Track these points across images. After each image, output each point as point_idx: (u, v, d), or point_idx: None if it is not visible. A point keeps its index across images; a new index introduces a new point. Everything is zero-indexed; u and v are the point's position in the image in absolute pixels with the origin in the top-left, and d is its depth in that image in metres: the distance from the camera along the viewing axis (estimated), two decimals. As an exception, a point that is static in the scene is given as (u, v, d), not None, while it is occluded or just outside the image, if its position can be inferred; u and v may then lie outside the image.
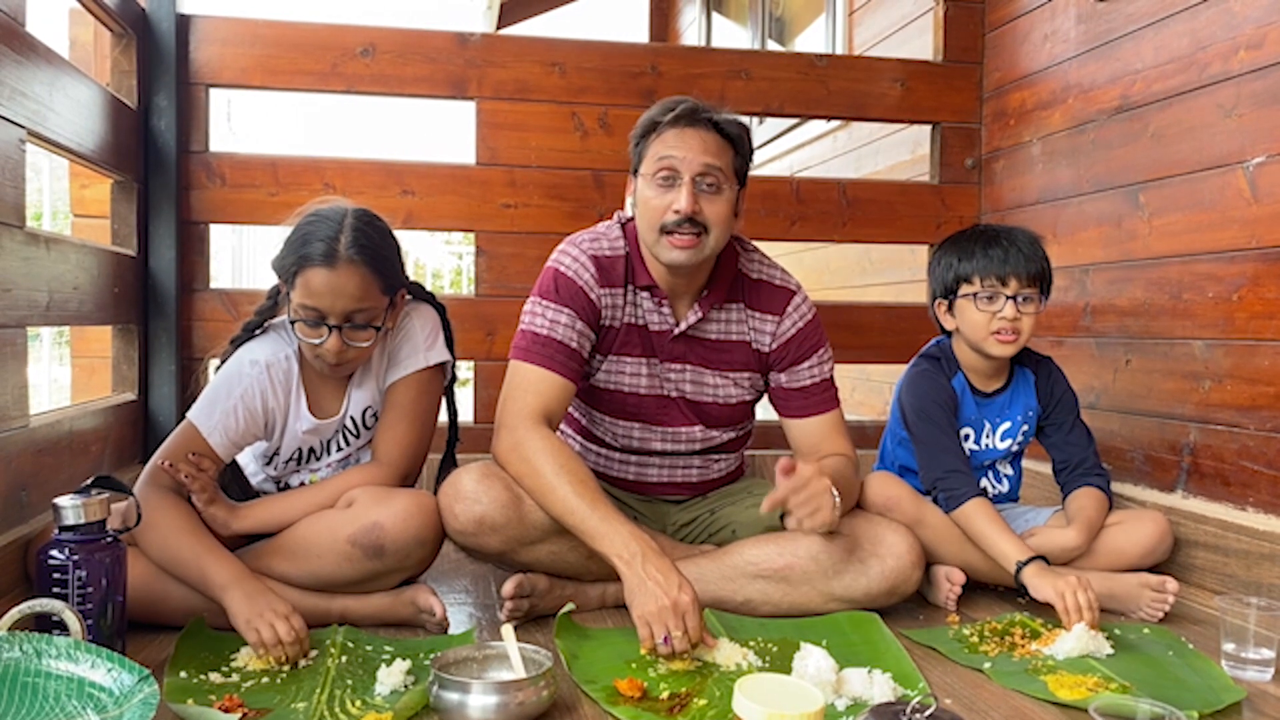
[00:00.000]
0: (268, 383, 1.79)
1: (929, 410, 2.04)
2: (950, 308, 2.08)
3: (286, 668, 1.49)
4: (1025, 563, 1.80)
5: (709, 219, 1.76)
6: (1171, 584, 1.84)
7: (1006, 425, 2.10)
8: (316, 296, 1.68)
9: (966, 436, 2.09)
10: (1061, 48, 2.60)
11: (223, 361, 1.83)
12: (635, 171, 1.84)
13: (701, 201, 1.75)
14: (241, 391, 1.77)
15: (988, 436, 2.10)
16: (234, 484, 1.92)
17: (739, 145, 1.81)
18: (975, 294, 2.01)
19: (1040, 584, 1.75)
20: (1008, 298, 1.98)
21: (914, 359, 2.16)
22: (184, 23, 2.50)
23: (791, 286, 1.97)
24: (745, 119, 1.87)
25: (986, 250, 2.00)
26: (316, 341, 1.71)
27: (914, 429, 2.06)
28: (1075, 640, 1.62)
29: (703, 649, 1.53)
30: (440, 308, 1.94)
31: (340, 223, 1.71)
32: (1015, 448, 2.12)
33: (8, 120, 1.65)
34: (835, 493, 1.69)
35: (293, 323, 1.72)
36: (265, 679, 1.46)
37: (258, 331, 1.85)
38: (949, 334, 2.13)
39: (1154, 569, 1.97)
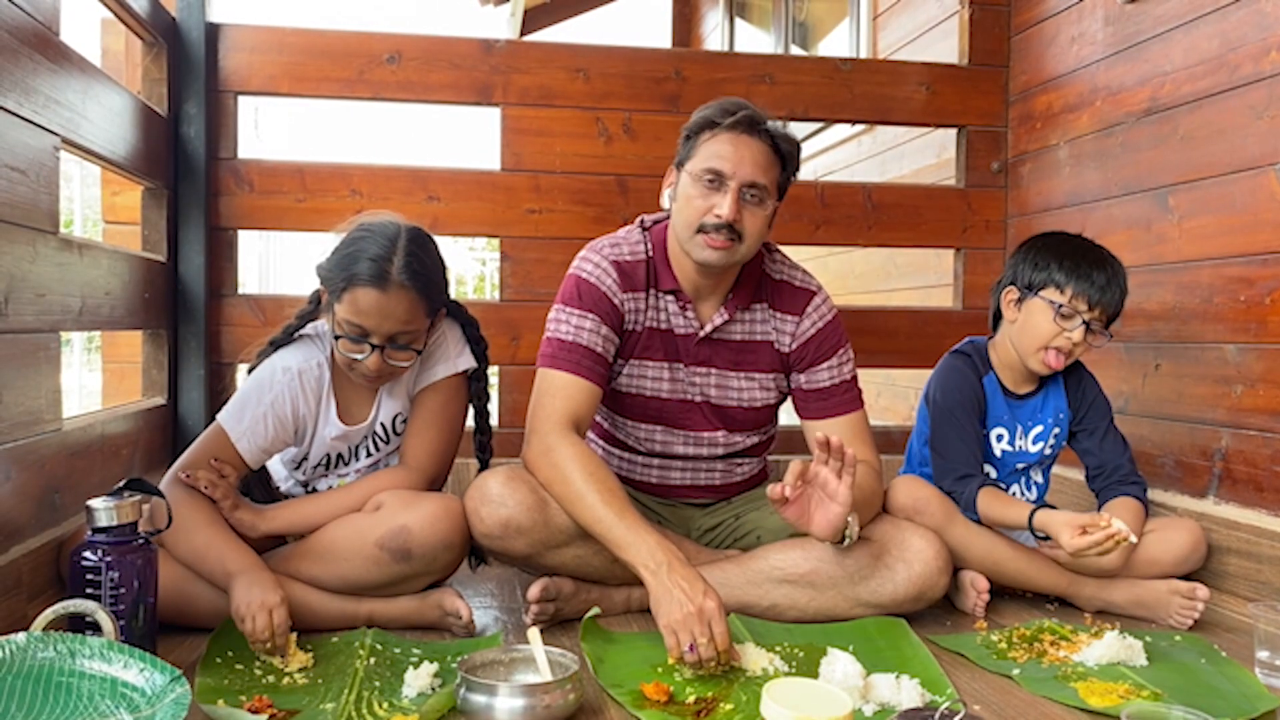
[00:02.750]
0: (299, 389, 1.80)
1: (954, 410, 2.03)
2: (1020, 301, 2.03)
3: (295, 671, 1.49)
4: (1034, 511, 1.85)
5: (746, 229, 1.77)
6: (1202, 591, 1.82)
7: (1038, 429, 2.08)
8: (363, 315, 1.69)
9: (1000, 437, 2.07)
10: (1089, 50, 2.58)
11: (255, 364, 1.85)
12: (680, 164, 1.84)
13: (743, 211, 1.76)
14: (272, 399, 1.78)
15: (1020, 438, 2.08)
16: (258, 487, 1.94)
17: (788, 162, 1.82)
18: (1059, 305, 1.95)
19: (1050, 521, 1.81)
20: (1084, 321, 1.95)
21: (945, 356, 2.13)
22: (213, 31, 2.53)
23: (812, 287, 1.97)
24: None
25: (1092, 271, 1.95)
26: (358, 357, 1.72)
27: (934, 425, 2.05)
28: (1106, 647, 1.61)
29: (727, 656, 1.51)
30: (473, 322, 1.95)
31: (394, 242, 1.71)
32: (1048, 451, 2.10)
33: (42, 128, 1.68)
34: (851, 514, 1.68)
35: (337, 337, 1.73)
36: (297, 678, 1.47)
37: (295, 336, 1.86)
38: (996, 322, 2.11)
39: (1187, 576, 1.94)
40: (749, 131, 1.77)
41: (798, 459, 1.65)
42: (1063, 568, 1.94)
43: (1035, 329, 1.99)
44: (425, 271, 1.73)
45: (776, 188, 1.82)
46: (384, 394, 1.87)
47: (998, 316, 2.11)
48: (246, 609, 1.51)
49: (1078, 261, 1.97)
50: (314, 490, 1.91)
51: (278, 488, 1.96)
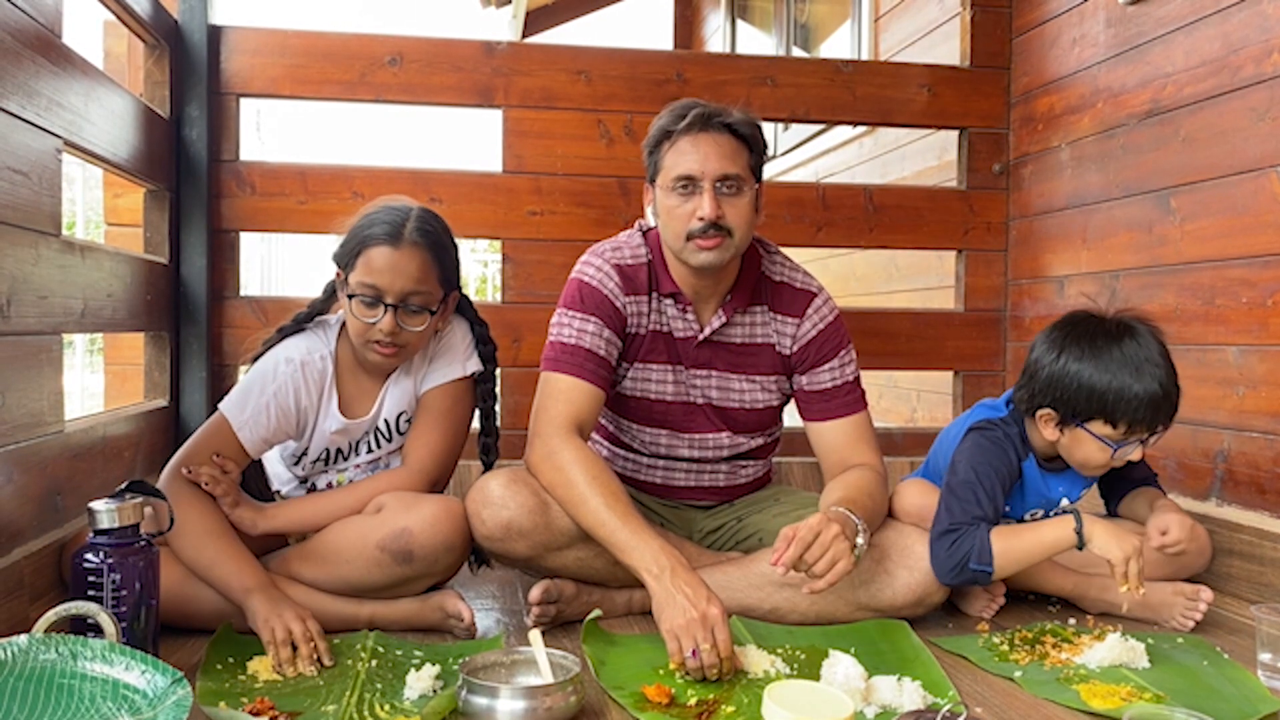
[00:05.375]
0: (301, 381, 1.81)
1: (980, 483, 1.81)
2: (1061, 425, 1.82)
3: (309, 668, 1.51)
4: (1079, 523, 1.69)
5: (732, 222, 1.77)
6: (1206, 594, 1.81)
7: (1085, 492, 1.97)
8: (377, 274, 1.71)
9: (1033, 515, 1.95)
10: (1090, 52, 2.58)
11: (261, 353, 1.85)
12: (652, 181, 1.85)
13: (723, 205, 1.76)
14: (275, 389, 1.79)
15: (1055, 510, 1.95)
16: (254, 480, 1.94)
17: (753, 144, 1.81)
18: (1116, 443, 1.77)
19: (1106, 542, 1.66)
20: (1141, 442, 1.79)
21: (979, 419, 1.92)
22: (215, 33, 2.53)
23: (813, 289, 1.96)
24: (762, 121, 1.86)
25: (1144, 389, 1.72)
26: (371, 320, 1.73)
27: (955, 487, 1.83)
28: (1108, 650, 1.60)
29: (730, 663, 1.50)
30: (483, 323, 1.95)
31: (407, 212, 1.77)
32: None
33: (45, 130, 1.68)
34: (859, 523, 1.66)
35: (351, 297, 1.75)
36: (294, 681, 1.47)
37: (306, 325, 1.87)
38: (1022, 406, 1.87)
39: (1190, 578, 1.94)
40: (705, 128, 1.77)
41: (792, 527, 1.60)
42: (1068, 569, 1.94)
43: (1087, 457, 1.82)
44: (437, 234, 1.78)
45: (750, 172, 1.81)
46: (389, 389, 1.87)
47: (1031, 411, 1.87)
48: (277, 618, 1.54)
49: (1125, 383, 1.73)
50: (313, 486, 1.91)
51: (278, 491, 1.96)
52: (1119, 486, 2.04)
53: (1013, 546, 1.74)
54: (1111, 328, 1.80)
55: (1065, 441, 1.84)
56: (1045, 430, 1.85)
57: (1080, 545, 1.70)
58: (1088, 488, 1.98)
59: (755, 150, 1.82)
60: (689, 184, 1.76)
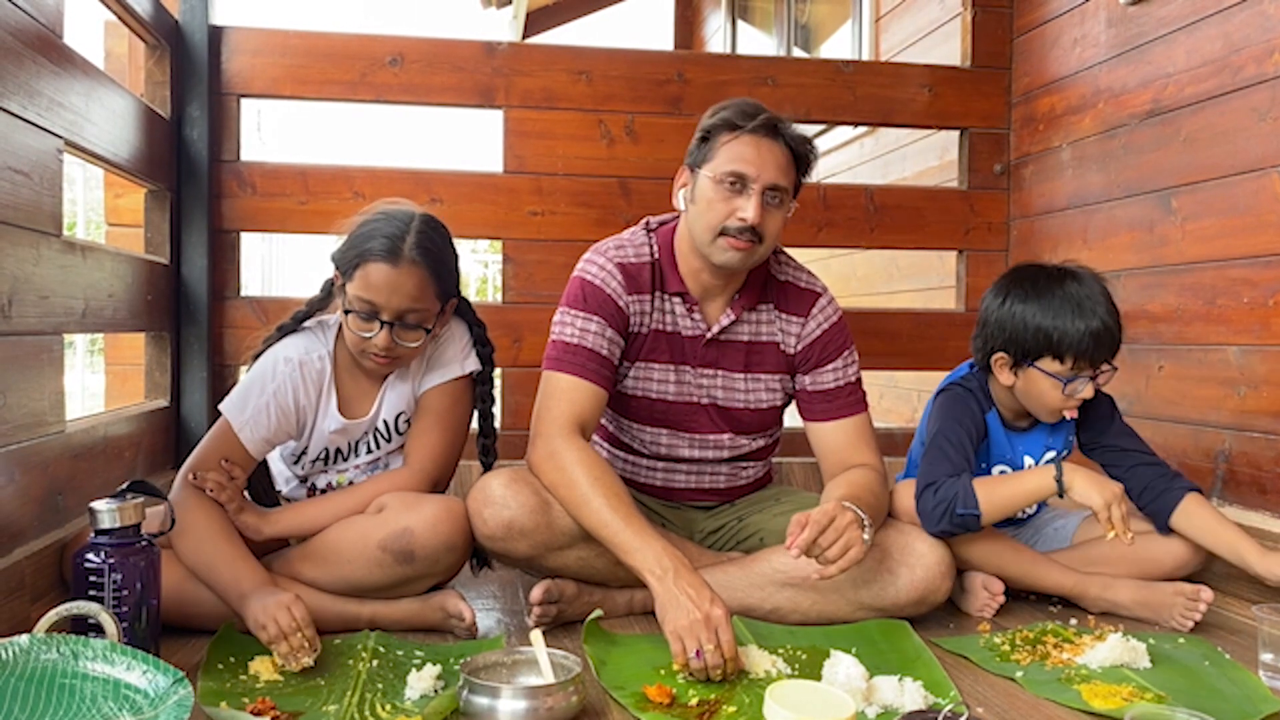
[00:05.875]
0: (300, 380, 1.81)
1: (949, 433, 1.90)
2: (1015, 367, 1.92)
3: (308, 659, 1.48)
4: (1059, 471, 1.76)
5: (766, 231, 1.78)
6: (1206, 593, 1.81)
7: (1050, 455, 2.01)
8: (374, 290, 1.71)
9: (1004, 474, 1.99)
10: (1091, 52, 2.58)
11: (261, 350, 1.85)
12: (695, 165, 1.82)
13: (764, 213, 1.76)
14: (274, 389, 1.79)
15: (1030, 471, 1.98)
16: (259, 482, 1.93)
17: (803, 167, 1.83)
18: (1065, 379, 1.85)
19: (1087, 488, 1.73)
20: (1091, 378, 1.86)
21: (944, 384, 2.03)
22: (216, 34, 2.53)
23: (817, 289, 1.97)
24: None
25: (1086, 325, 1.82)
26: (367, 335, 1.73)
27: (929, 447, 1.92)
28: (1109, 650, 1.60)
29: (734, 664, 1.50)
30: (481, 324, 1.95)
31: (408, 224, 1.75)
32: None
33: (45, 130, 1.68)
34: (865, 519, 1.65)
35: (347, 312, 1.75)
36: (295, 681, 1.47)
37: (305, 324, 1.87)
38: (983, 361, 1.97)
39: (1190, 578, 1.94)
40: (770, 135, 1.77)
41: (806, 512, 1.60)
42: (1068, 569, 1.94)
43: (1042, 396, 1.89)
44: (437, 251, 1.76)
45: (793, 189, 1.83)
46: (388, 390, 1.87)
47: (985, 359, 1.96)
48: (265, 615, 1.50)
49: (1068, 321, 1.83)
50: (314, 486, 1.92)
51: (279, 491, 1.96)
52: (1158, 488, 1.92)
53: (996, 493, 1.81)
54: (1053, 272, 1.91)
55: (1021, 385, 1.92)
56: (1001, 375, 1.93)
57: (1061, 492, 1.77)
58: (1053, 450, 2.01)
59: (801, 173, 1.83)
60: (739, 182, 1.76)
